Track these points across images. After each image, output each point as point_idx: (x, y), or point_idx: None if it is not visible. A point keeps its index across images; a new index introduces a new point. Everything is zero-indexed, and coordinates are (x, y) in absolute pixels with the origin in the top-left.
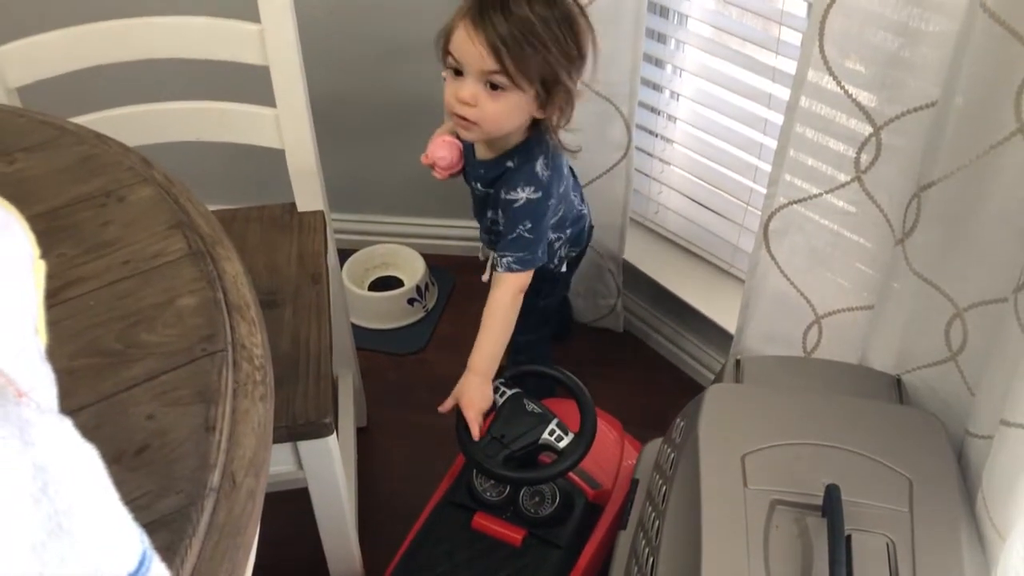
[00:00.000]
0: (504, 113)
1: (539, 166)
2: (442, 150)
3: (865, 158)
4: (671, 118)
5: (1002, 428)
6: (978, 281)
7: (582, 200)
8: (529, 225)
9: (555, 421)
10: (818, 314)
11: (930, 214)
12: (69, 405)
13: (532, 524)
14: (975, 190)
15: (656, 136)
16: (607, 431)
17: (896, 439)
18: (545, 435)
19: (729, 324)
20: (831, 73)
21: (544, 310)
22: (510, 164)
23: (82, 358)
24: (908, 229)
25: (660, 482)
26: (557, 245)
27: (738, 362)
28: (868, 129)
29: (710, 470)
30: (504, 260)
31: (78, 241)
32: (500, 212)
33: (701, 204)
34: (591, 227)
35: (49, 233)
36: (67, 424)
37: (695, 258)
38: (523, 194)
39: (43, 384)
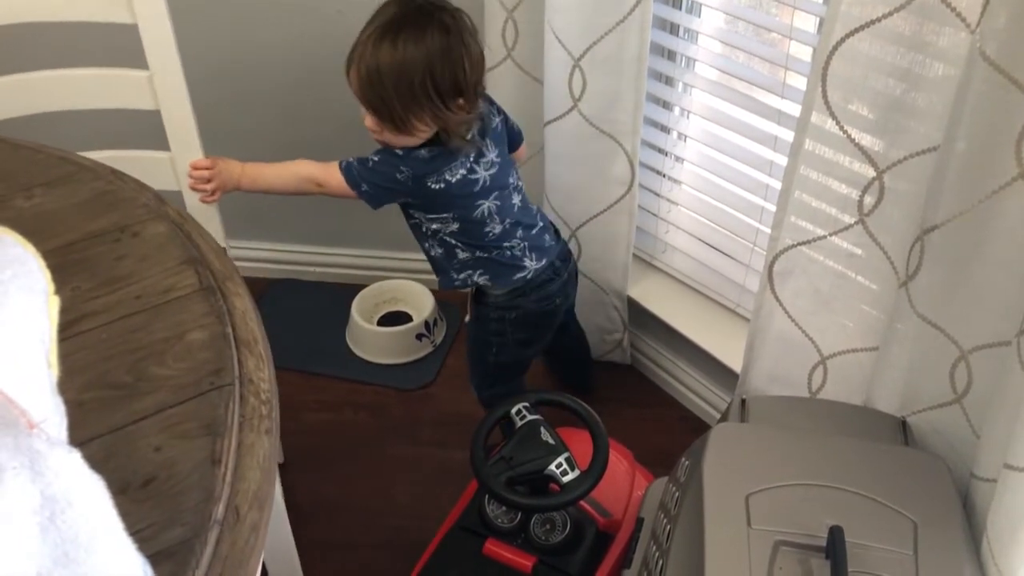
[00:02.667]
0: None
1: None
2: None
3: (869, 201)
4: (678, 159)
5: (1005, 472)
6: (982, 324)
7: (536, 256)
8: (376, 159)
9: (565, 455)
10: (823, 355)
11: (933, 257)
12: (79, 436)
13: (542, 551)
14: (977, 234)
15: (663, 176)
16: (618, 461)
17: (901, 481)
18: (551, 467)
19: (735, 363)
20: (833, 117)
21: (498, 366)
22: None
23: (93, 390)
24: (912, 272)
25: (664, 521)
26: (459, 260)
27: (743, 402)
28: (871, 172)
29: (714, 510)
30: (345, 160)
31: (92, 275)
32: None
33: (708, 244)
34: (548, 293)
35: (64, 267)
36: (76, 456)
37: (702, 297)
38: (386, 143)
39: (54, 416)
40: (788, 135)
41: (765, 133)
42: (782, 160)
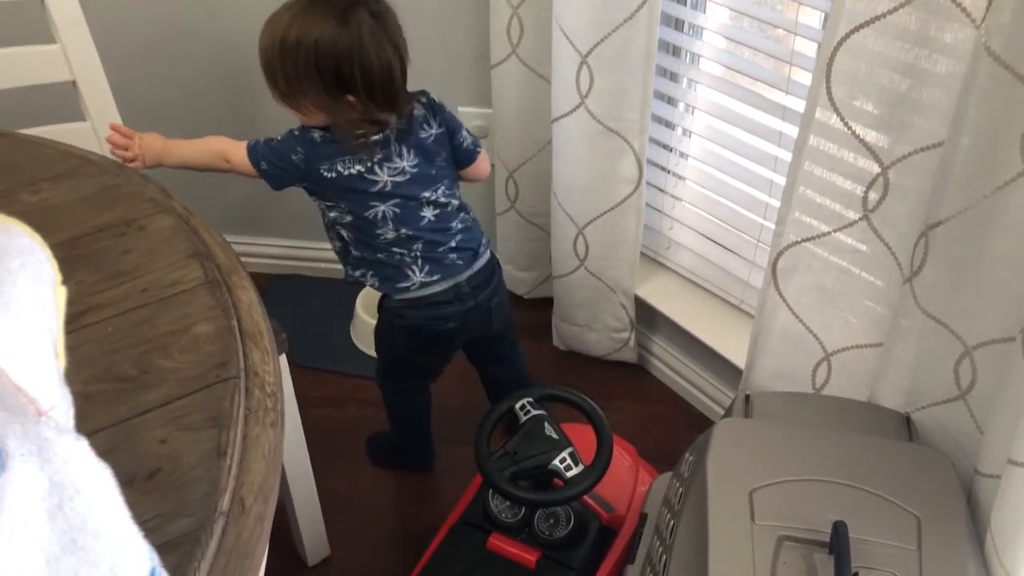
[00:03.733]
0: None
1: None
2: None
3: (873, 197)
4: (683, 155)
5: (1010, 467)
6: (986, 320)
7: (417, 262)
8: (278, 138)
9: (569, 450)
10: (827, 351)
11: (938, 253)
12: (84, 429)
13: (546, 546)
14: (982, 230)
15: (668, 172)
16: (621, 457)
17: (905, 477)
18: (555, 462)
19: (739, 359)
20: (838, 113)
21: (391, 363)
22: None
23: (99, 383)
24: (916, 268)
25: (668, 516)
26: (353, 256)
27: (747, 397)
28: (876, 168)
29: (718, 505)
30: (254, 139)
31: (98, 269)
32: None
33: (712, 240)
34: (444, 315)
35: (70, 261)
36: (84, 444)
37: (706, 293)
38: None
39: (62, 405)
40: (793, 131)
41: (770, 129)
42: (787, 156)
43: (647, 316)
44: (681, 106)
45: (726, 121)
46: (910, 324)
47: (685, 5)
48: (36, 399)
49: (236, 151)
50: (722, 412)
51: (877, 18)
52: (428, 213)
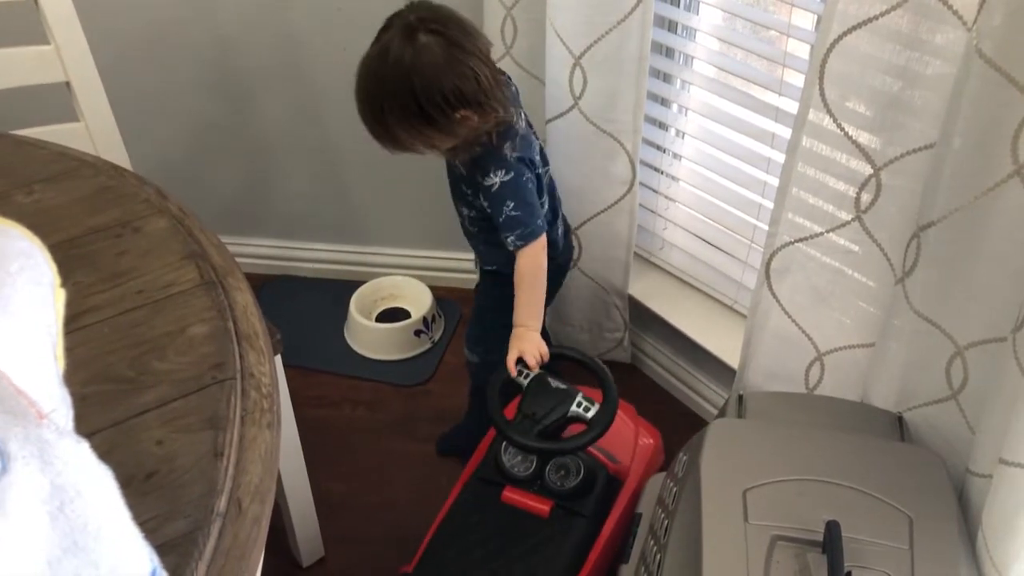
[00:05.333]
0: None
1: (506, 149)
2: None
3: (866, 198)
4: (676, 156)
5: (1001, 467)
6: (978, 320)
7: (555, 217)
8: (507, 190)
9: (580, 395)
10: (820, 351)
11: (929, 254)
12: (81, 430)
13: (558, 496)
14: (973, 231)
15: (661, 173)
16: (622, 412)
17: (897, 476)
18: (573, 407)
19: (732, 360)
20: (831, 114)
21: (495, 323)
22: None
23: (95, 384)
24: (908, 268)
25: (662, 516)
26: None
27: (741, 397)
28: (868, 169)
29: (712, 505)
30: (509, 240)
31: (94, 270)
32: (482, 197)
33: (705, 241)
34: (568, 246)
35: (66, 262)
36: (84, 446)
37: (699, 294)
38: (496, 178)
39: (62, 407)
40: (786, 132)
41: (763, 130)
42: (780, 157)
43: (641, 316)
44: (674, 107)
45: (719, 122)
46: (902, 324)
47: (678, 7)
48: (37, 402)
49: (532, 256)
50: (715, 412)
51: (869, 20)
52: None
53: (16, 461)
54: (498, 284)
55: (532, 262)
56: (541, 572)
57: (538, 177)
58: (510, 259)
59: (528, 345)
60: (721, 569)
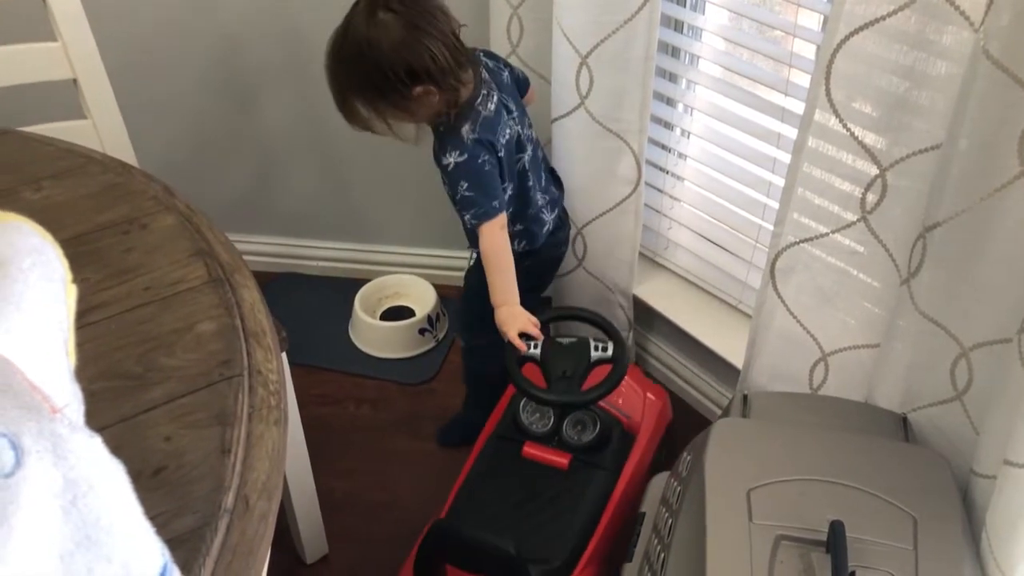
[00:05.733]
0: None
1: (464, 131)
2: None
3: (871, 198)
4: (681, 156)
5: (1005, 468)
6: (983, 321)
7: (551, 208)
8: (461, 171)
9: (590, 339)
10: (824, 352)
11: (935, 255)
12: (90, 426)
13: (576, 450)
14: (979, 232)
15: (666, 173)
16: (629, 374)
17: (901, 477)
18: (593, 353)
19: (737, 360)
20: (837, 115)
21: (478, 308)
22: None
23: (103, 380)
24: (914, 269)
25: (666, 515)
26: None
27: (745, 397)
28: (874, 170)
29: (716, 504)
30: (465, 218)
31: (101, 267)
32: (442, 174)
33: (710, 241)
34: (559, 240)
35: (73, 259)
36: (97, 441)
37: (704, 294)
38: (451, 158)
39: (74, 402)
40: (791, 132)
41: (768, 130)
42: (785, 157)
43: (645, 316)
44: (680, 107)
45: (725, 122)
46: (907, 325)
47: (685, 7)
48: (50, 397)
49: (492, 235)
50: (719, 411)
51: (876, 21)
52: (531, 150)
53: (30, 455)
54: (481, 268)
55: (490, 242)
56: (565, 519)
57: (500, 161)
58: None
59: (518, 320)
60: (725, 569)
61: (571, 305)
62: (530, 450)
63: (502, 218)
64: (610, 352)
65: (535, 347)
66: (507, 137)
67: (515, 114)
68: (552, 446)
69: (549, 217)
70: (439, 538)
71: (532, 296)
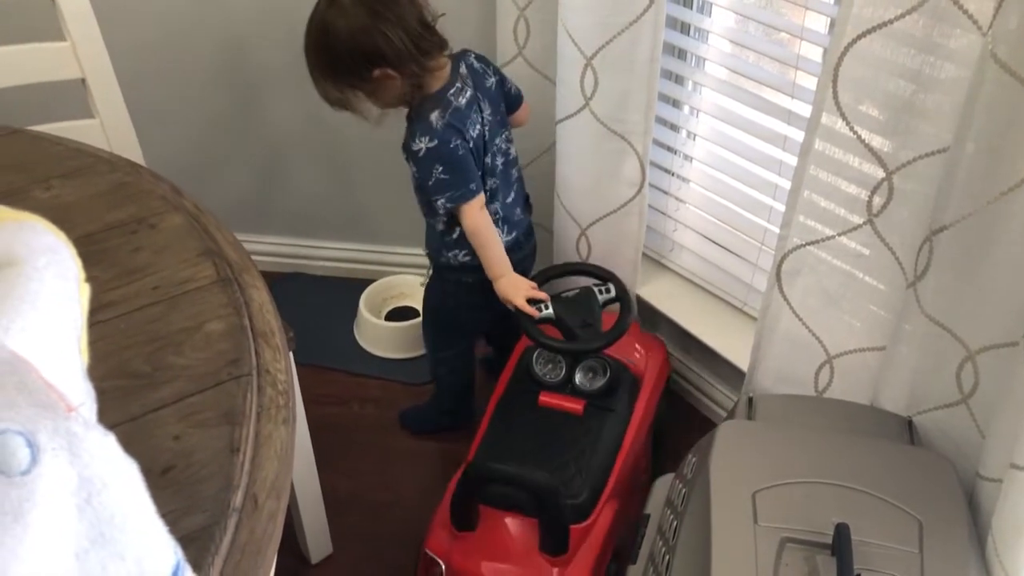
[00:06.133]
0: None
1: (433, 117)
2: None
3: (878, 201)
4: (687, 157)
5: (1012, 472)
6: (989, 325)
7: (506, 227)
8: (440, 166)
9: (592, 286)
10: (830, 354)
11: (941, 258)
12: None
13: (589, 396)
14: (986, 235)
15: (672, 175)
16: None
17: (907, 480)
18: (599, 297)
19: (742, 362)
20: (844, 118)
21: (458, 321)
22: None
23: (112, 379)
24: (920, 272)
25: (671, 517)
26: (453, 237)
27: (750, 400)
28: (881, 173)
29: (721, 506)
30: (439, 203)
31: (110, 266)
32: (410, 162)
33: (716, 243)
34: (528, 246)
35: (82, 258)
36: (111, 439)
37: (709, 296)
38: (422, 143)
39: (88, 400)
40: (798, 135)
41: (775, 132)
42: (791, 160)
43: (651, 318)
44: (686, 109)
45: (731, 124)
46: (913, 328)
47: (691, 9)
48: (65, 395)
49: (471, 216)
50: (724, 413)
51: (884, 24)
52: (499, 162)
53: (46, 453)
54: (434, 280)
55: (473, 221)
56: (585, 459)
57: (471, 151)
58: (434, 245)
59: (520, 288)
60: (730, 571)
61: (560, 264)
62: (546, 398)
63: (481, 198)
64: (613, 292)
65: (546, 307)
66: (476, 132)
67: (487, 118)
68: (566, 393)
69: (502, 238)
70: (476, 477)
71: (473, 313)
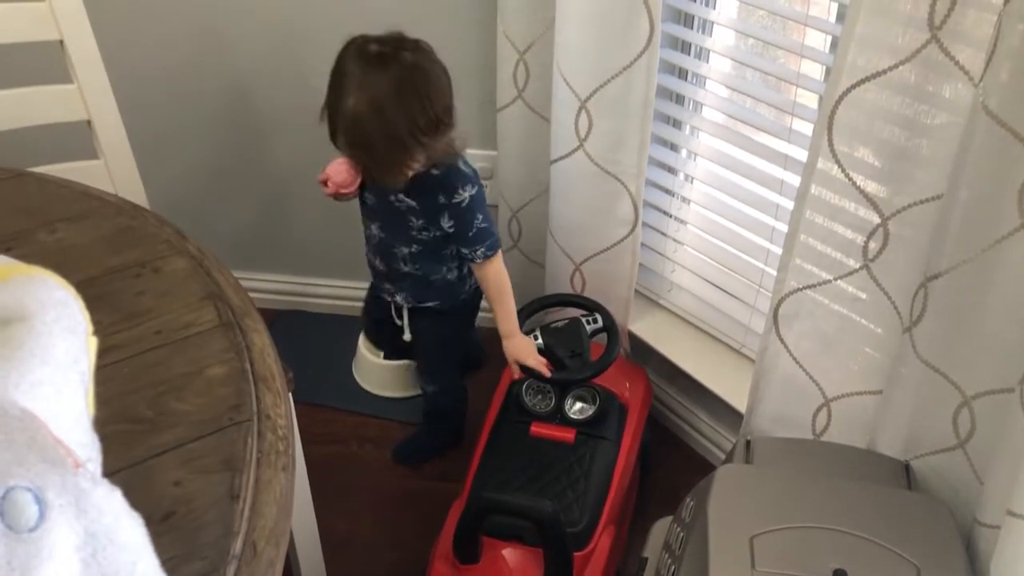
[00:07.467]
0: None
1: (463, 165)
2: (339, 171)
3: (873, 246)
4: (685, 200)
5: (1009, 519)
6: (985, 370)
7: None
8: (479, 215)
9: (580, 316)
10: (827, 397)
11: (937, 304)
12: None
13: (579, 424)
14: (981, 282)
15: (670, 217)
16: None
17: (904, 525)
18: (587, 327)
19: (740, 403)
20: (839, 164)
21: (464, 347)
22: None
23: (114, 424)
24: (916, 318)
25: (669, 561)
26: (463, 275)
27: (748, 443)
28: (876, 219)
29: (719, 551)
30: (479, 252)
31: (113, 310)
32: (448, 217)
33: (714, 284)
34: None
35: (86, 302)
36: (117, 494)
37: (707, 337)
38: (466, 193)
39: (94, 454)
40: (794, 179)
41: (771, 177)
42: (788, 204)
43: (648, 358)
44: (684, 152)
45: (728, 168)
46: (909, 372)
47: (688, 55)
48: (73, 451)
49: (496, 268)
50: (722, 455)
51: (878, 74)
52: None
53: (53, 509)
54: (442, 320)
55: (498, 269)
56: (580, 487)
57: None
58: (446, 293)
59: (530, 349)
60: None
61: (545, 296)
62: (537, 429)
63: (500, 256)
64: (600, 321)
65: (536, 337)
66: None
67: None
68: (557, 423)
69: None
70: (480, 508)
71: (468, 334)
